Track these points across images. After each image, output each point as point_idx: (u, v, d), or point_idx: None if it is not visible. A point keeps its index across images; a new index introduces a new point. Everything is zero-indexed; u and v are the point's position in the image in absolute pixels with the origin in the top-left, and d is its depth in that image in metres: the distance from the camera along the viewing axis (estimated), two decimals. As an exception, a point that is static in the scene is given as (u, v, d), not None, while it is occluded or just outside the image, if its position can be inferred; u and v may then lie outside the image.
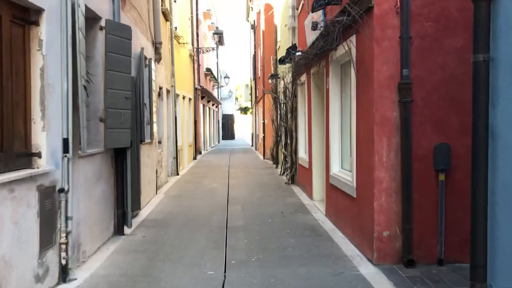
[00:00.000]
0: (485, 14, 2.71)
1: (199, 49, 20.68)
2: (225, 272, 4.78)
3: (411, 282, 4.38)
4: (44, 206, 4.08)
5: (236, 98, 52.98)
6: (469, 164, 4.75)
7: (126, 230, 6.46)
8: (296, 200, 8.95)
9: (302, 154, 10.39)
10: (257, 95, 24.97)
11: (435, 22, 4.83)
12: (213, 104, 31.02)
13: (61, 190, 4.37)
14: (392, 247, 4.85)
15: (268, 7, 17.85)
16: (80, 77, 4.60)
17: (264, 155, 19.99)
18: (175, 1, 13.98)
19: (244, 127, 50.84)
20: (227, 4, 76.84)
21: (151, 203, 8.73)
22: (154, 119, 9.39)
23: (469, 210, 4.76)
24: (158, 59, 10.10)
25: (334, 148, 6.80)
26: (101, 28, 5.77)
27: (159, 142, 11.02)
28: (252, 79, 30.35)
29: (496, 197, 2.81)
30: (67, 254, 4.45)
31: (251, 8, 25.63)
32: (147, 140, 8.54)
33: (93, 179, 5.44)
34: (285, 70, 12.22)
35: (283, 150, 12.70)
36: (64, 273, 4.44)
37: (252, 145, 30.57)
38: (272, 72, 15.42)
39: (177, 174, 13.41)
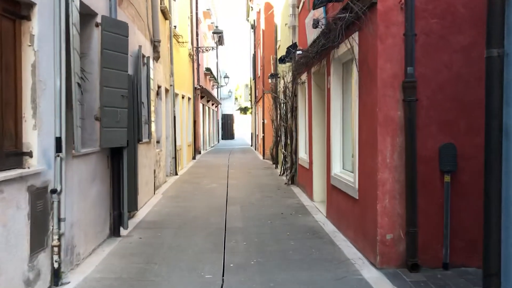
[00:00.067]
0: (499, 7, 2.55)
1: (199, 49, 20.51)
2: (223, 276, 4.62)
3: (416, 286, 4.23)
4: (35, 208, 3.93)
5: (236, 98, 52.84)
6: (475, 165, 4.68)
7: (123, 231, 6.30)
8: (296, 201, 8.80)
9: (302, 154, 10.24)
10: (257, 95, 24.84)
11: (440, 19, 4.68)
12: (212, 104, 30.87)
13: (54, 191, 4.22)
14: (396, 251, 4.70)
15: (268, 6, 17.71)
16: (74, 74, 4.44)
17: (263, 155, 19.85)
18: (174, -1, 13.84)
19: (243, 127, 50.74)
20: (227, 3, 76.68)
21: (148, 204, 8.58)
22: (152, 118, 9.24)
23: (476, 213, 4.68)
24: (156, 58, 9.95)
25: (335, 148, 6.65)
26: (97, 25, 5.62)
27: (158, 142, 10.87)
28: (251, 79, 30.22)
29: (510, 200, 2.66)
30: (59, 257, 4.29)
31: (251, 7, 25.49)
32: (145, 140, 8.41)
33: (88, 180, 5.29)
34: (285, 69, 12.07)
35: (283, 150, 12.56)
36: (56, 277, 4.28)
37: (251, 145, 30.44)
38: (272, 72, 15.28)
39: (176, 174, 13.26)
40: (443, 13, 4.68)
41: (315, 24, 6.51)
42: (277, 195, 9.57)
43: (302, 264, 4.95)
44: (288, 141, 11.72)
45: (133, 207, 6.86)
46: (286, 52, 9.81)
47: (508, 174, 2.67)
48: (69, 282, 4.40)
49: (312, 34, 7.50)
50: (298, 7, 10.29)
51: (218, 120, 38.70)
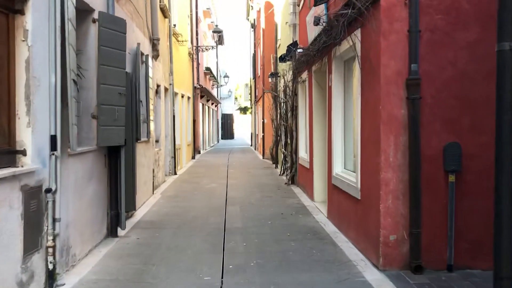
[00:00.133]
0: (510, 0, 2.45)
1: (199, 48, 20.39)
2: (222, 278, 4.51)
3: (420, 289, 4.13)
4: (29, 208, 3.82)
5: (236, 98, 52.74)
6: (480, 164, 4.57)
7: (120, 232, 6.19)
8: (297, 201, 8.69)
9: (302, 153, 10.14)
10: (257, 94, 24.73)
11: (445, 15, 4.57)
12: (212, 104, 30.76)
13: (48, 190, 4.10)
14: (399, 252, 4.59)
15: (268, 5, 17.61)
16: (70, 70, 4.33)
17: (263, 155, 19.74)
18: (173, -3, 13.72)
19: (243, 127, 50.67)
20: (227, 3, 76.59)
21: (147, 204, 8.47)
22: (151, 117, 9.14)
23: (481, 214, 4.57)
24: (155, 56, 9.84)
25: (336, 147, 6.54)
26: (94, 21, 5.51)
27: (157, 141, 10.76)
28: (251, 78, 30.11)
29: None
30: (54, 258, 4.18)
31: (251, 6, 25.38)
32: (144, 139, 8.29)
33: (85, 179, 5.18)
34: (285, 68, 11.98)
35: (283, 149, 12.45)
36: (51, 279, 4.17)
37: (251, 145, 30.34)
38: (272, 71, 15.17)
39: (175, 173, 13.15)
40: (447, 9, 4.57)
41: (316, 22, 6.40)
42: (277, 195, 9.46)
43: (303, 266, 4.84)
44: (288, 141, 11.61)
45: (131, 207, 6.74)
46: (287, 50, 9.70)
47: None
48: (64, 284, 4.29)
49: (313, 32, 7.39)
50: (298, 5, 10.18)
51: (217, 119, 38.60)
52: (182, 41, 15.25)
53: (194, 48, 19.45)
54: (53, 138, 4.14)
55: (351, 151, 6.22)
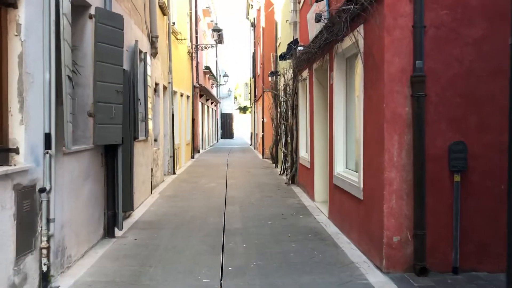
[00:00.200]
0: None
1: (198, 46, 20.25)
2: (221, 280, 4.39)
3: (425, 292, 4.01)
4: (22, 208, 3.69)
5: (235, 97, 52.65)
6: (487, 164, 4.45)
7: (117, 232, 6.07)
8: (297, 201, 8.57)
9: (303, 153, 10.02)
10: (257, 93, 24.61)
11: (451, 10, 4.45)
12: (211, 103, 30.63)
13: (42, 190, 3.98)
14: (403, 254, 4.47)
15: (269, 4, 17.48)
16: (64, 66, 4.21)
17: (263, 155, 19.62)
18: (173, -5, 13.59)
19: (243, 126, 50.59)
20: (226, 2, 76.47)
21: (145, 204, 8.34)
22: (150, 116, 9.01)
23: (487, 215, 4.46)
24: (154, 54, 9.70)
25: (338, 146, 6.42)
26: (90, 17, 5.39)
27: (155, 140, 10.63)
28: (251, 77, 29.99)
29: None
30: (48, 260, 4.06)
31: (251, 5, 25.25)
32: (142, 138, 8.17)
33: (80, 178, 5.06)
34: (285, 66, 11.86)
35: (283, 149, 12.33)
36: (45, 281, 4.05)
37: (251, 144, 30.22)
38: (272, 69, 15.06)
39: (174, 173, 13.03)
40: (453, 5, 4.45)
41: (318, 18, 6.27)
42: (277, 195, 9.34)
43: (304, 267, 4.72)
44: (289, 140, 11.49)
45: (129, 207, 6.62)
46: (287, 48, 9.59)
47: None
48: (58, 286, 4.17)
49: (314, 29, 7.27)
50: (299, 3, 10.05)
51: (217, 119, 38.48)
52: (182, 39, 15.13)
53: (194, 46, 19.31)
54: (47, 136, 4.01)
55: (353, 150, 6.10)
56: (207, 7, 26.68)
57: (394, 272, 4.45)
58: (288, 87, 11.45)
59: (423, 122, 4.38)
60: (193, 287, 4.24)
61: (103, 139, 5.44)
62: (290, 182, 10.89)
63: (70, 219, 4.73)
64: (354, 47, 5.36)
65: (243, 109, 51.65)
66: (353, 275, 4.48)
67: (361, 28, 5.06)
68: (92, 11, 5.35)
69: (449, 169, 4.45)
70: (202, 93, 22.82)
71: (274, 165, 15.30)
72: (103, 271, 4.67)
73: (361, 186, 5.17)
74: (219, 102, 38.04)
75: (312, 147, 8.58)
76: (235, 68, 47.66)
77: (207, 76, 26.05)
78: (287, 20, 11.65)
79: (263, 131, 20.03)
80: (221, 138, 42.45)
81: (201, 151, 23.01)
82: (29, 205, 3.81)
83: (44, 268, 4.03)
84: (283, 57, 10.34)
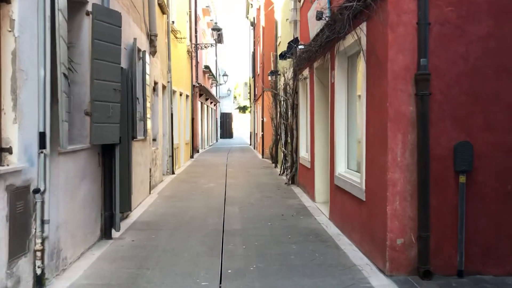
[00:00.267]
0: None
1: (198, 45, 20.13)
2: (220, 283, 4.28)
3: (429, 296, 3.91)
4: (15, 209, 3.59)
5: (235, 97, 52.53)
6: (493, 165, 4.34)
7: (114, 233, 5.95)
8: (297, 202, 8.47)
9: (303, 153, 9.91)
10: (256, 93, 24.49)
11: (456, 7, 4.34)
12: (211, 102, 30.51)
13: (37, 191, 3.87)
14: (407, 257, 4.36)
15: (268, 3, 17.37)
16: (60, 64, 4.10)
17: (262, 154, 19.51)
18: (172, -7, 13.48)
19: (242, 126, 50.47)
20: (226, 1, 76.30)
21: (143, 204, 8.23)
22: (148, 115, 8.89)
23: (492, 217, 4.35)
24: (153, 52, 9.60)
25: (339, 146, 6.31)
26: (87, 13, 5.28)
27: (154, 140, 10.52)
28: (251, 77, 29.87)
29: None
30: (43, 262, 3.96)
31: (251, 4, 25.13)
32: (140, 137, 8.06)
33: (77, 178, 4.95)
34: (285, 65, 11.75)
35: (283, 148, 12.22)
36: (39, 284, 3.95)
37: (250, 144, 30.10)
38: (272, 69, 14.94)
39: (173, 173, 12.92)
40: (458, 1, 4.34)
41: (319, 16, 6.16)
42: (277, 195, 9.24)
43: (305, 270, 4.61)
44: (289, 140, 11.38)
45: (126, 207, 6.51)
46: (288, 47, 9.48)
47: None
48: (53, 289, 4.07)
49: (315, 27, 7.16)
50: (299, 1, 9.94)
51: (216, 118, 38.36)
52: (181, 38, 15.01)
53: (193, 45, 19.20)
54: (41, 135, 3.91)
55: (355, 150, 5.99)
56: (206, 6, 26.55)
57: (397, 275, 4.34)
58: (288, 86, 11.34)
59: (427, 121, 4.28)
60: (192, 290, 4.14)
61: (100, 139, 5.33)
62: (290, 182, 10.79)
63: (66, 220, 4.62)
64: (356, 44, 5.26)
65: (243, 109, 51.52)
66: (355, 278, 4.37)
67: (363, 26, 4.95)
68: (89, 7, 5.25)
69: (454, 169, 4.34)
70: (201, 93, 22.70)
71: (274, 165, 15.20)
72: (99, 273, 4.56)
73: (363, 187, 5.07)
74: (219, 102, 37.91)
75: (312, 147, 8.47)
76: (234, 67, 47.60)
77: (206, 75, 25.93)
78: (287, 19, 11.54)
79: (262, 130, 19.92)
80: (221, 137, 42.34)
81: (200, 150, 22.89)
82: (23, 206, 3.70)
83: (38, 271, 3.93)
84: (283, 56, 10.23)
